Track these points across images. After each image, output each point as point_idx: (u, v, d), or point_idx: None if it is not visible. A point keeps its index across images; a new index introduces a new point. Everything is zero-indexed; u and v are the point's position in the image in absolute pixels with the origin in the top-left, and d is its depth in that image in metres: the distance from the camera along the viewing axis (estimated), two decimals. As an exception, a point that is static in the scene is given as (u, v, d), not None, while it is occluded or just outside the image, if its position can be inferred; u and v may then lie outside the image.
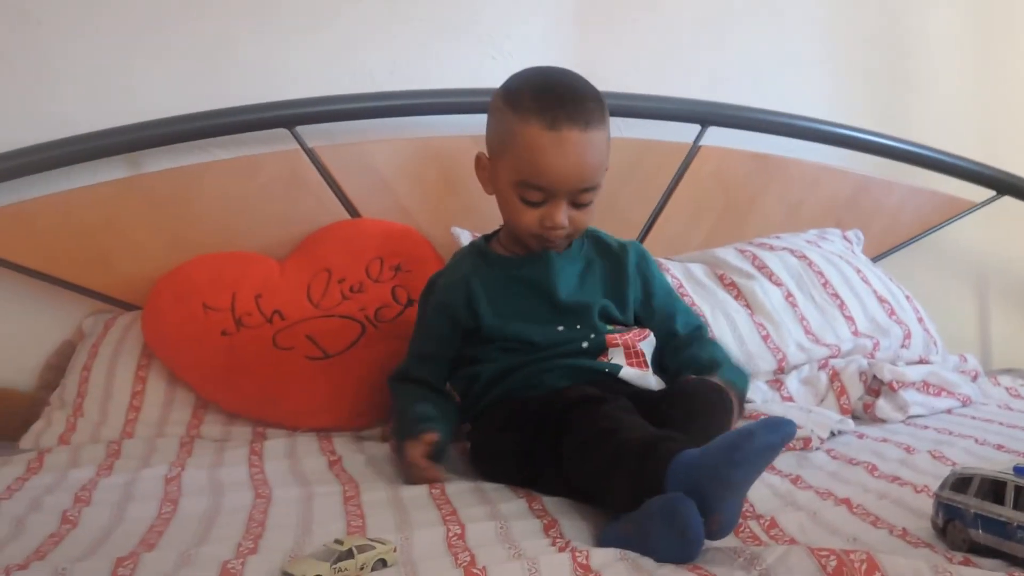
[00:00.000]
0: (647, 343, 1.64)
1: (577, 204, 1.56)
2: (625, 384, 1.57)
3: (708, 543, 1.11)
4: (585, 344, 1.58)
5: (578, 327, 1.59)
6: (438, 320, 1.66)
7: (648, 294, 1.70)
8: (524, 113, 1.52)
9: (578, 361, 1.57)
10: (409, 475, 1.48)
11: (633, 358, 1.60)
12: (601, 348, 1.59)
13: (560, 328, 1.59)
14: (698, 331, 1.73)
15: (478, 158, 1.66)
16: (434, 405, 1.61)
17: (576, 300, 1.61)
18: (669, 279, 1.92)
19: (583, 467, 1.30)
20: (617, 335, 1.60)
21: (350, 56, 2.22)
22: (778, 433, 1.09)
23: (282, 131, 2.09)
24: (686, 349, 1.68)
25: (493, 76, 2.26)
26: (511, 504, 1.35)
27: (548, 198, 1.54)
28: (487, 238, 1.74)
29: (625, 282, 1.68)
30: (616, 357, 1.59)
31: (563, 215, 1.55)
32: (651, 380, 1.60)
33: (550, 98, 1.51)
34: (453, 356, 1.66)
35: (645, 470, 1.17)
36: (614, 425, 1.30)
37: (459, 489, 1.43)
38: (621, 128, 2.24)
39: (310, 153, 2.10)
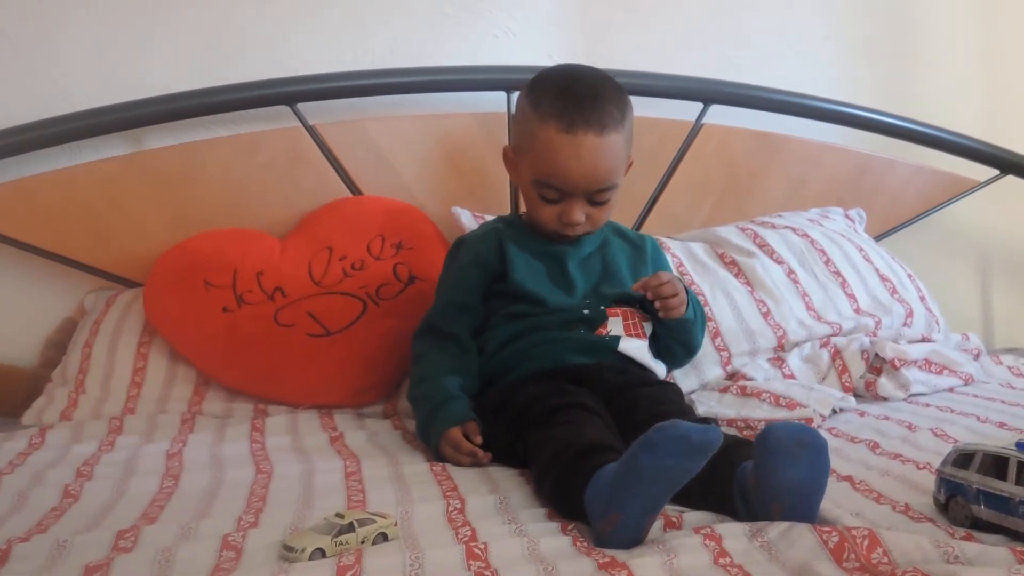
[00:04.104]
0: (647, 324, 1.68)
1: (594, 202, 1.61)
2: (621, 364, 1.60)
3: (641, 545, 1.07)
4: (587, 311, 1.63)
5: (587, 301, 1.65)
6: (469, 268, 1.69)
7: None
8: (543, 114, 1.57)
9: (577, 333, 1.61)
10: (449, 456, 1.47)
11: (632, 330, 1.64)
12: (602, 318, 1.63)
13: (570, 299, 1.65)
14: None
15: (504, 151, 1.71)
16: (463, 377, 1.60)
17: (592, 286, 1.68)
18: (670, 258, 1.97)
19: (534, 470, 1.32)
20: (618, 308, 1.65)
21: (352, 33, 2.21)
22: (702, 432, 1.05)
23: (283, 108, 2.08)
24: None
25: (496, 54, 2.28)
26: (511, 479, 1.36)
27: (565, 197, 1.60)
28: (519, 215, 1.79)
29: (643, 270, 1.74)
30: (615, 328, 1.63)
31: (579, 212, 1.60)
32: (648, 356, 1.65)
33: (569, 101, 1.56)
34: (481, 307, 1.68)
35: (573, 472, 1.18)
36: (569, 433, 1.31)
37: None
38: (623, 106, 2.23)
39: (311, 130, 2.09)
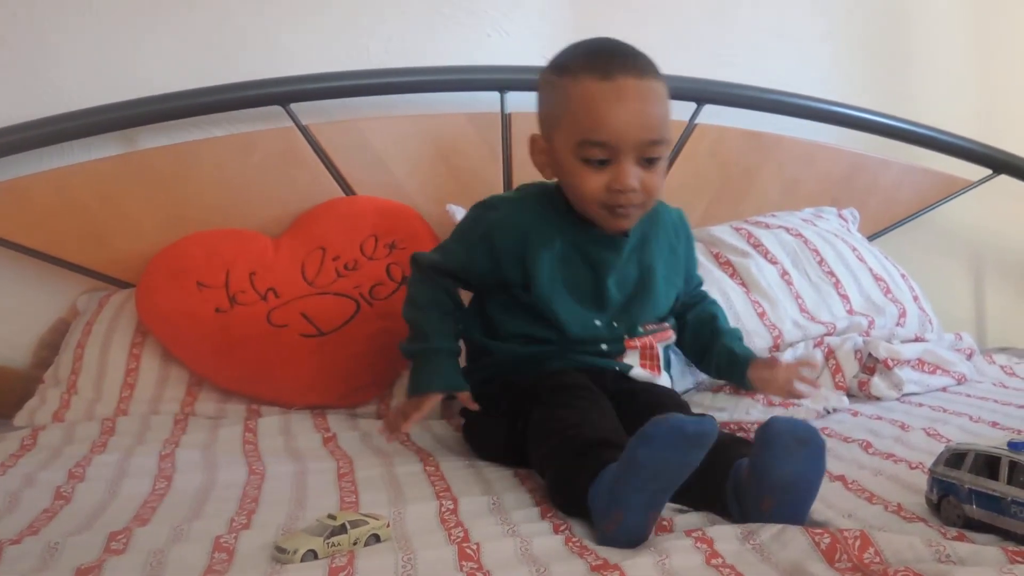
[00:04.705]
0: (665, 344, 1.63)
1: (647, 160, 1.44)
2: (626, 376, 1.57)
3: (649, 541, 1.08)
4: (605, 347, 1.55)
5: (615, 324, 1.56)
6: (477, 250, 1.54)
7: (689, 262, 1.73)
8: (575, 73, 1.45)
9: (591, 358, 1.55)
10: (407, 407, 1.51)
11: (647, 360, 1.59)
12: (620, 351, 1.57)
13: (597, 323, 1.55)
14: (699, 290, 1.78)
15: (533, 141, 1.55)
16: (452, 328, 1.58)
17: (625, 300, 1.57)
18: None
19: (535, 451, 1.32)
20: (637, 339, 1.57)
21: (346, 33, 2.20)
22: (697, 423, 1.05)
23: (277, 108, 2.08)
24: (693, 309, 1.72)
25: (489, 54, 2.28)
26: (504, 480, 1.36)
27: (613, 156, 1.43)
28: (557, 187, 1.57)
29: (679, 255, 1.67)
30: (630, 358, 1.57)
31: (632, 175, 1.43)
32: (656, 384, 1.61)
33: (600, 54, 1.45)
34: (473, 282, 1.59)
35: (572, 471, 1.18)
36: (574, 419, 1.30)
37: (453, 466, 1.44)
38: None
39: (304, 131, 2.09)
